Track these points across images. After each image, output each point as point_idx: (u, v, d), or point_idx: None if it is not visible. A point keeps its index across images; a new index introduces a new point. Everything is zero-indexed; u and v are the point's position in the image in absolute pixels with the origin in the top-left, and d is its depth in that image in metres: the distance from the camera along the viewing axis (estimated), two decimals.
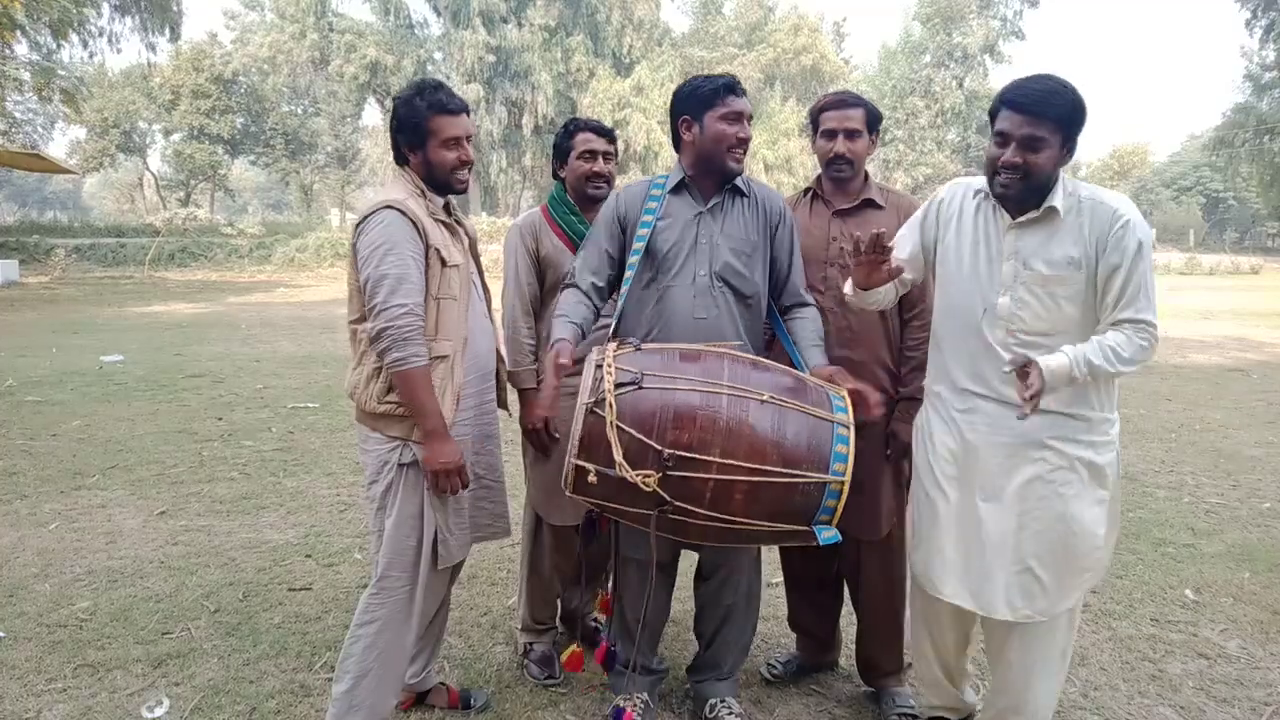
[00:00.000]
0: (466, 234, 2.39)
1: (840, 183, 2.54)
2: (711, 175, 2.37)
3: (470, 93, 35.25)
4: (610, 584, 2.64)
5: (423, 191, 2.25)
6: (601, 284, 2.37)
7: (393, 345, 2.06)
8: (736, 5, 41.08)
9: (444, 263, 2.18)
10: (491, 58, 35.93)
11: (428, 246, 2.16)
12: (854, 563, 2.58)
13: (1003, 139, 1.87)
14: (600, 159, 2.68)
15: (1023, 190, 1.89)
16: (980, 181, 2.04)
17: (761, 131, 37.99)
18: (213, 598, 3.28)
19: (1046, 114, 1.83)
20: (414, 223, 2.14)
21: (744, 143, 2.35)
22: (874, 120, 2.52)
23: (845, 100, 2.51)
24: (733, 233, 2.36)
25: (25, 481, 4.74)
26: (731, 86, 2.35)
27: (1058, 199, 1.90)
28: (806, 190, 2.66)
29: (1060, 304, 1.94)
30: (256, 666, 2.77)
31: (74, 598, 3.26)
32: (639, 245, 2.32)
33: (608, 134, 2.73)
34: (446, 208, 2.34)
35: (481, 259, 2.48)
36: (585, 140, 2.68)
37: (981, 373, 2.05)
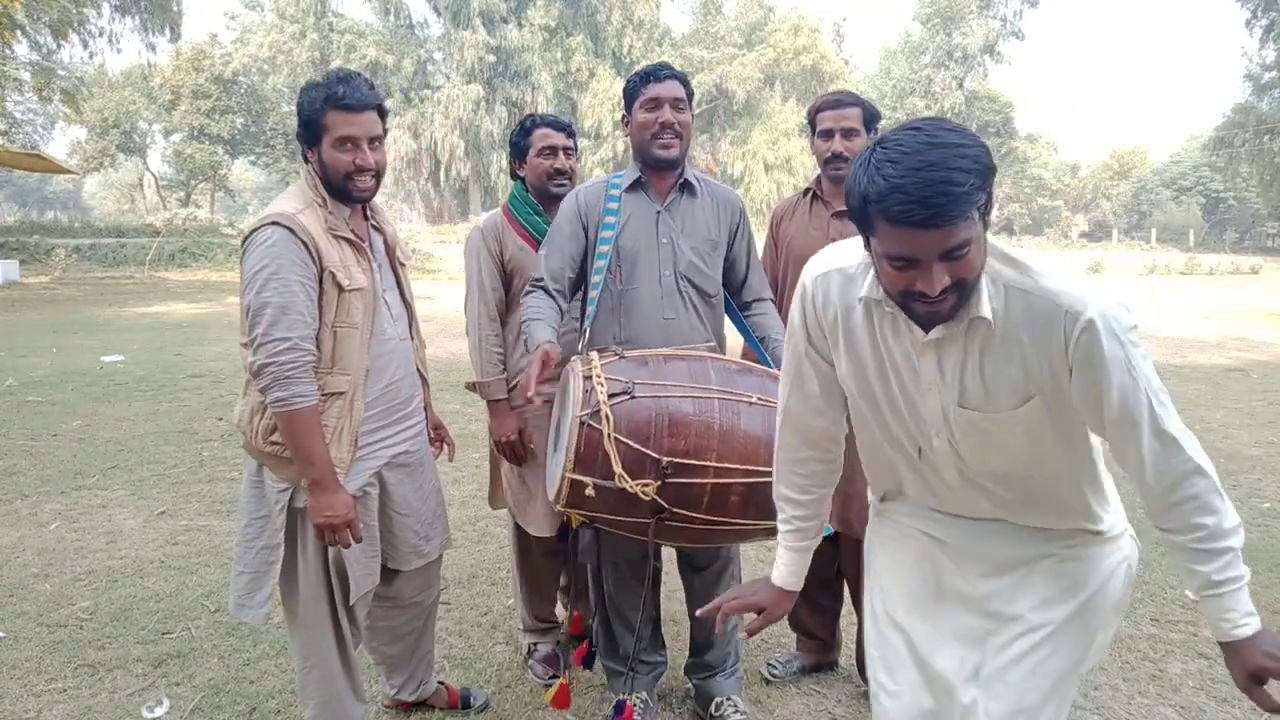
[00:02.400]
0: (386, 241, 2.18)
1: (839, 182, 2.54)
2: (654, 169, 2.32)
3: (470, 93, 35.30)
4: (577, 597, 2.63)
5: (324, 200, 1.99)
6: (565, 287, 2.31)
7: (274, 384, 1.85)
8: (736, 5, 41.13)
9: (340, 288, 1.94)
10: (491, 58, 35.97)
11: (321, 270, 1.92)
12: (855, 562, 2.57)
13: (906, 263, 1.17)
14: (560, 154, 2.58)
15: (958, 306, 1.23)
16: (852, 268, 1.37)
17: (761, 131, 38.05)
18: (213, 598, 3.28)
19: (958, 212, 1.12)
20: (305, 243, 1.89)
21: (667, 128, 2.24)
22: (871, 119, 2.52)
23: (841, 100, 2.51)
24: (693, 231, 2.34)
25: (26, 481, 4.74)
26: (649, 74, 2.27)
27: (984, 305, 1.23)
28: (806, 191, 2.65)
29: (1020, 440, 1.33)
30: (256, 666, 2.77)
31: (74, 598, 3.26)
32: (604, 248, 2.27)
33: (565, 128, 2.63)
34: (365, 211, 2.13)
35: (405, 265, 2.28)
36: (543, 136, 2.58)
37: (944, 499, 1.48)
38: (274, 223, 1.89)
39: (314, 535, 2.02)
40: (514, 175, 2.70)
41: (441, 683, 2.56)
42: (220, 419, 6.30)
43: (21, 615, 3.11)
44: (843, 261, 1.40)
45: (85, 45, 27.95)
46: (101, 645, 2.90)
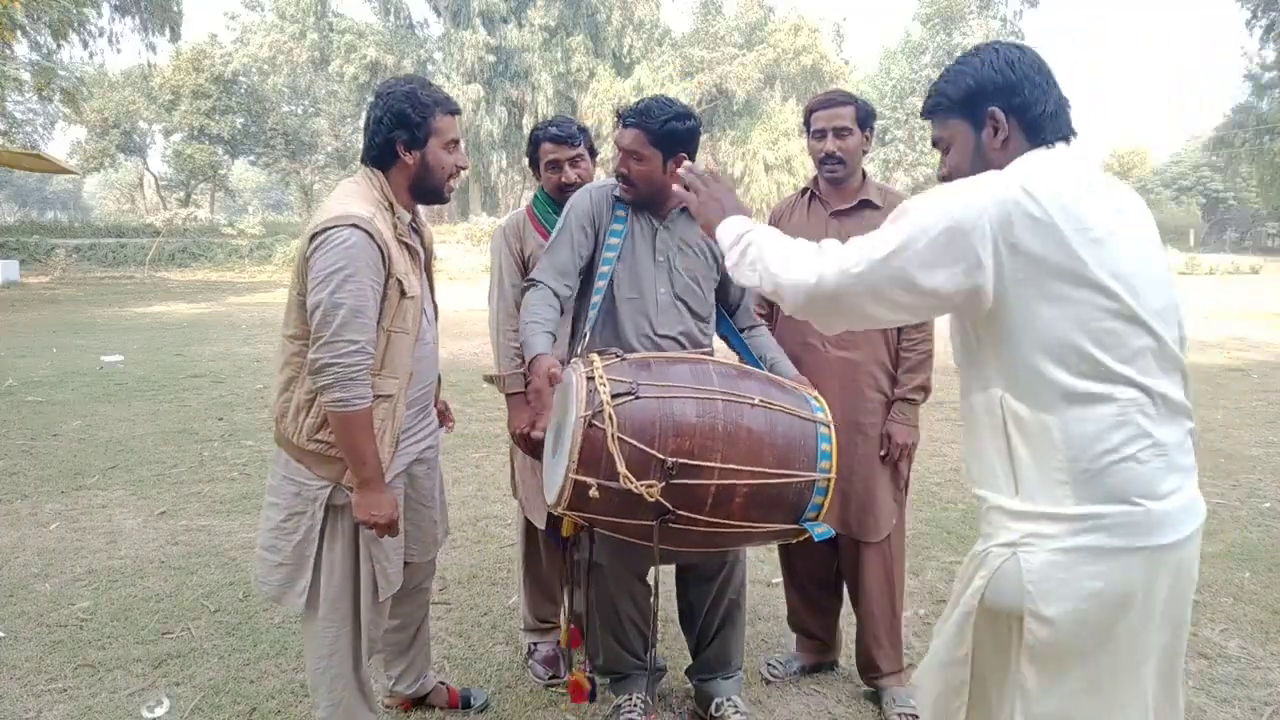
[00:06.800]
0: (424, 246, 2.23)
1: (835, 182, 2.53)
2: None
3: (470, 93, 35.29)
4: (571, 607, 2.60)
5: (390, 204, 2.04)
6: (569, 285, 2.32)
7: (336, 384, 1.87)
8: (736, 5, 41.06)
9: (404, 294, 2.00)
10: (491, 58, 35.96)
11: (389, 276, 1.97)
12: (854, 563, 2.58)
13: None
14: (565, 168, 2.63)
15: None
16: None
17: (761, 131, 38.02)
18: (213, 598, 3.28)
19: None
20: (380, 248, 1.93)
21: (622, 178, 2.28)
22: (865, 117, 2.50)
23: (834, 99, 2.51)
24: (689, 252, 2.37)
25: (26, 481, 4.74)
26: (619, 117, 2.28)
27: None
28: (804, 191, 2.64)
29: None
30: (256, 666, 2.77)
31: (74, 598, 3.26)
32: (610, 254, 2.30)
33: (568, 139, 2.65)
34: (413, 221, 2.17)
35: (434, 269, 2.35)
36: (547, 151, 2.64)
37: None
38: (353, 225, 1.90)
39: (345, 533, 2.05)
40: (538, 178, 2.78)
41: (442, 683, 2.56)
42: (220, 419, 6.31)
43: (21, 615, 3.11)
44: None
45: (85, 45, 27.88)
46: (101, 645, 2.90)
